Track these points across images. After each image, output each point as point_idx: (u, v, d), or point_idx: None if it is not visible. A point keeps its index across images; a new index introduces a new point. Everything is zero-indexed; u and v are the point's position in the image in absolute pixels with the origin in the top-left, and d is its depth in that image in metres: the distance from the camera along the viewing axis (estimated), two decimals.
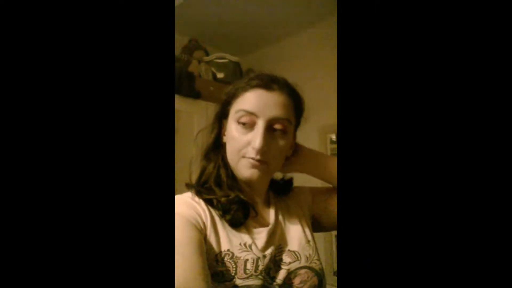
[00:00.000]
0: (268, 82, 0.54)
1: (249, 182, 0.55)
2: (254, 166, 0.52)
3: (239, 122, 0.53)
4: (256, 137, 0.51)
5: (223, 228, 0.51)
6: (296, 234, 0.59)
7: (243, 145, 0.52)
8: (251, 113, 0.52)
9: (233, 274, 0.48)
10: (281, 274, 0.52)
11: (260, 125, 0.51)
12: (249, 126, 0.52)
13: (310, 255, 0.57)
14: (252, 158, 0.51)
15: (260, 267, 0.50)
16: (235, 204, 0.52)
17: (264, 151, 0.51)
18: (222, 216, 0.52)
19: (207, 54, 1.79)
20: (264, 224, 0.57)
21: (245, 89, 0.54)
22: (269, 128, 0.52)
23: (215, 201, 0.52)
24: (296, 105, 0.57)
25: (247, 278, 0.48)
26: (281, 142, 0.53)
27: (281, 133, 0.53)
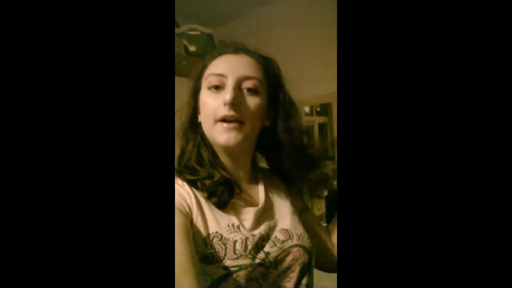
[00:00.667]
0: (236, 48, 0.56)
1: (228, 150, 0.54)
2: (229, 129, 0.51)
3: (209, 88, 0.53)
4: (226, 93, 0.51)
5: (209, 210, 0.51)
6: (287, 212, 0.59)
7: (216, 106, 0.52)
8: (220, 75, 0.52)
9: (222, 255, 0.48)
10: (274, 252, 0.53)
11: (229, 83, 0.51)
12: (220, 89, 0.52)
13: (301, 233, 0.57)
14: (225, 119, 0.51)
15: (250, 247, 0.50)
16: (221, 186, 0.52)
17: (236, 106, 0.50)
18: (207, 199, 0.51)
19: (178, 26, 1.71)
20: (252, 203, 0.57)
21: (213, 57, 0.56)
22: (239, 87, 0.52)
23: (199, 184, 0.52)
24: (267, 70, 0.56)
25: (237, 258, 0.48)
26: (254, 101, 0.53)
27: (253, 92, 0.53)
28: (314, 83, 1.58)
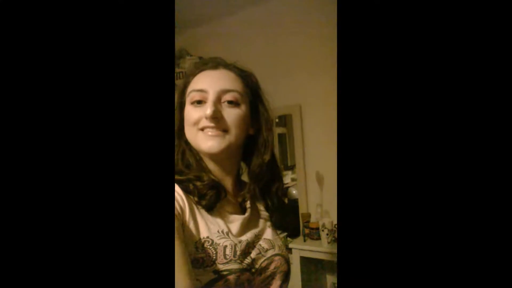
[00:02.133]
0: (214, 64, 0.58)
1: (213, 156, 0.56)
2: (212, 137, 0.54)
3: (192, 103, 0.55)
4: (206, 107, 0.53)
5: (201, 216, 0.53)
6: (268, 223, 0.64)
7: (198, 119, 0.54)
8: (201, 90, 0.55)
9: (213, 259, 0.50)
10: (259, 260, 0.56)
11: (210, 97, 0.54)
12: (202, 102, 0.54)
13: (280, 244, 0.62)
14: (208, 127, 0.54)
15: (238, 252, 0.52)
16: (210, 188, 0.54)
17: (216, 119, 0.53)
18: (197, 202, 0.53)
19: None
20: (238, 211, 0.60)
21: (194, 74, 0.58)
22: (219, 100, 0.54)
23: (191, 186, 0.53)
24: (243, 78, 0.59)
25: (227, 263, 0.50)
26: (234, 112, 0.55)
27: (233, 104, 0.55)
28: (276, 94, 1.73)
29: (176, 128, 0.61)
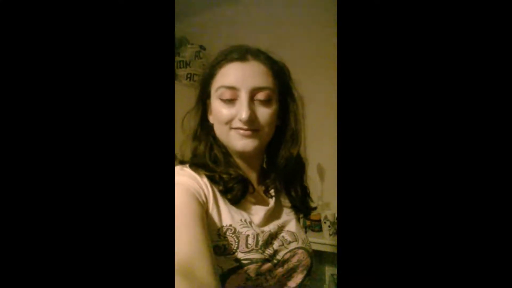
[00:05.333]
0: (242, 54, 0.54)
1: (243, 154, 0.56)
2: (245, 136, 0.52)
3: (221, 99, 0.53)
4: (241, 110, 0.51)
5: (224, 204, 0.52)
6: (292, 216, 0.63)
7: (230, 118, 0.53)
8: (231, 88, 0.52)
9: (235, 248, 0.49)
10: (281, 251, 0.55)
11: (243, 98, 0.52)
12: (232, 100, 0.52)
13: (304, 238, 0.61)
14: (241, 129, 0.52)
15: (261, 242, 0.51)
16: (238, 183, 0.53)
17: (252, 121, 0.52)
18: (223, 194, 0.52)
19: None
20: (263, 202, 0.59)
21: (221, 65, 0.55)
22: (252, 99, 0.52)
23: (217, 176, 0.53)
24: (275, 71, 0.56)
25: (249, 252, 0.49)
26: (267, 110, 0.53)
27: (265, 102, 0.53)
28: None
29: (196, 120, 0.59)
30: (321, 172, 1.76)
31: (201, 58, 1.92)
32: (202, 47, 1.95)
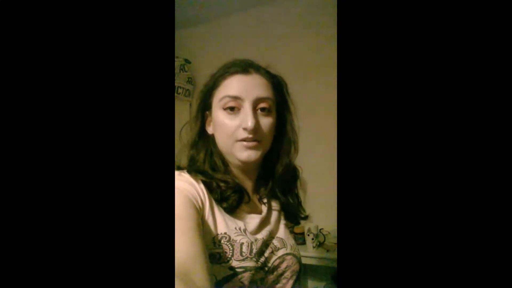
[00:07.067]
0: (245, 67, 0.57)
1: (246, 164, 0.57)
2: (249, 148, 0.54)
3: (225, 109, 0.55)
4: (245, 118, 0.53)
5: (219, 212, 0.53)
6: (281, 222, 0.64)
7: (234, 128, 0.54)
8: (236, 97, 0.54)
9: (230, 256, 0.50)
10: (272, 258, 0.57)
11: (247, 107, 0.54)
12: (236, 110, 0.54)
13: (293, 244, 0.62)
14: (245, 139, 0.54)
15: (254, 250, 0.52)
16: (234, 193, 0.54)
17: (256, 130, 0.53)
18: (218, 202, 0.53)
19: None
20: (256, 210, 0.60)
21: (224, 77, 0.57)
22: (255, 108, 0.55)
23: (214, 184, 0.54)
24: (274, 84, 0.59)
25: (243, 260, 0.50)
26: (268, 120, 0.56)
27: (266, 111, 0.55)
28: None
29: (196, 130, 0.61)
30: (304, 184, 1.78)
31: (186, 71, 1.94)
32: (187, 61, 1.96)
